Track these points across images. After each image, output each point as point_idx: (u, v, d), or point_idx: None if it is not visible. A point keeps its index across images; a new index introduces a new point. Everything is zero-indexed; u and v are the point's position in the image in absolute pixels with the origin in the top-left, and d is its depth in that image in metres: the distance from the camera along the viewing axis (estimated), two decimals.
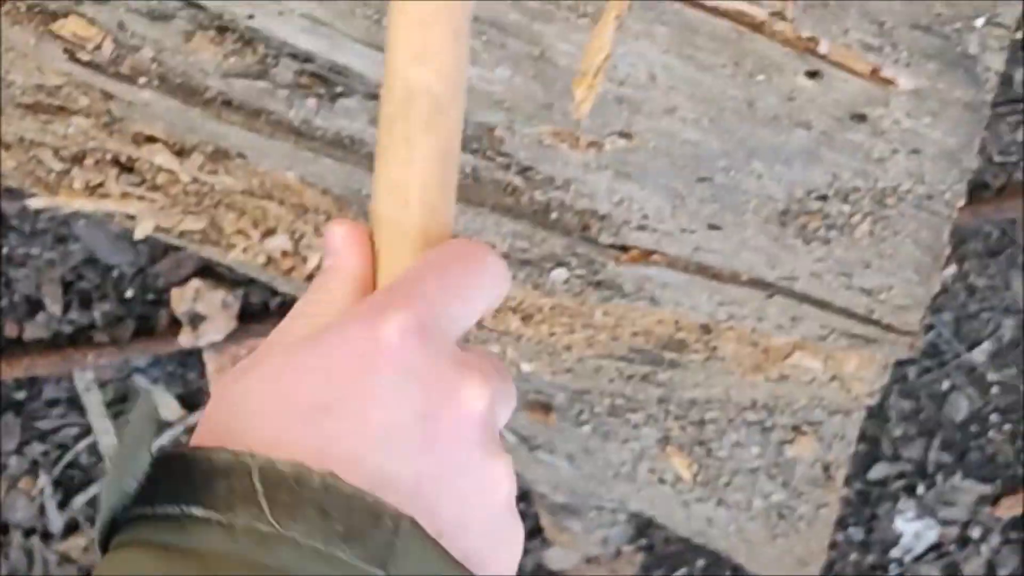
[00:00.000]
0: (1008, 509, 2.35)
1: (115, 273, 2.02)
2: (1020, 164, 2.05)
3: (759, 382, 1.43)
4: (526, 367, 1.45)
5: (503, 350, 1.43)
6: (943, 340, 2.11)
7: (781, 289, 1.31)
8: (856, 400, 1.47)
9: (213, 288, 1.95)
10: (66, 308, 2.05)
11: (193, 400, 2.20)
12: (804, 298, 1.32)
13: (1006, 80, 2.00)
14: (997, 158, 2.05)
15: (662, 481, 1.67)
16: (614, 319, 1.40)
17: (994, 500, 2.36)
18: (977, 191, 2.08)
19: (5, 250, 2.06)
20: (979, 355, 2.25)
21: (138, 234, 1.44)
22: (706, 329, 1.39)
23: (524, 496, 2.15)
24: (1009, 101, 1.98)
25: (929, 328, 2.07)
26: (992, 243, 2.11)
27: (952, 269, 2.13)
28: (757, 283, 1.31)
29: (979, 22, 1.25)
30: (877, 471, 2.17)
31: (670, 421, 1.62)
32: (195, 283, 1.95)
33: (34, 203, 1.37)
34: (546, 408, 1.61)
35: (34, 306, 2.06)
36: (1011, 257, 2.18)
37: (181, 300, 1.98)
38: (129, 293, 2.07)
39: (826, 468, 1.68)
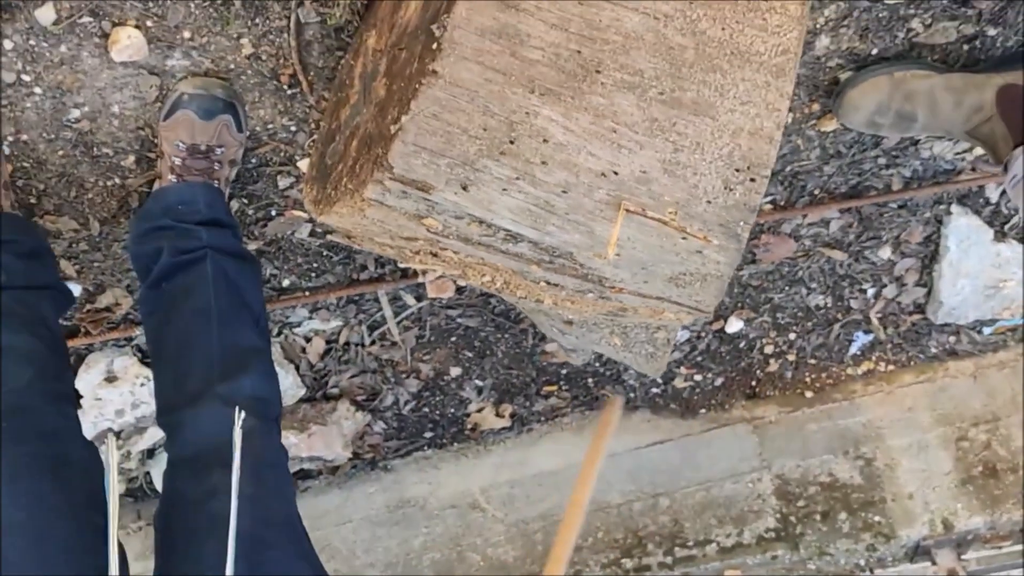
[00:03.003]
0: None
1: None
2: None
3: None
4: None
5: None
6: None
7: None
8: None
9: None
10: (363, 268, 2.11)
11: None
12: None
13: None
14: None
15: (610, 345, 1.75)
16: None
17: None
18: None
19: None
20: None
21: (435, 276, 1.63)
22: None
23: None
24: None
25: None
26: None
27: None
28: None
29: (751, 218, 1.29)
30: None
31: (616, 331, 1.71)
32: None
33: (387, 272, 1.50)
34: (569, 323, 1.69)
35: (361, 267, 2.11)
36: None
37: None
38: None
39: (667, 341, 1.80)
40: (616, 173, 1.30)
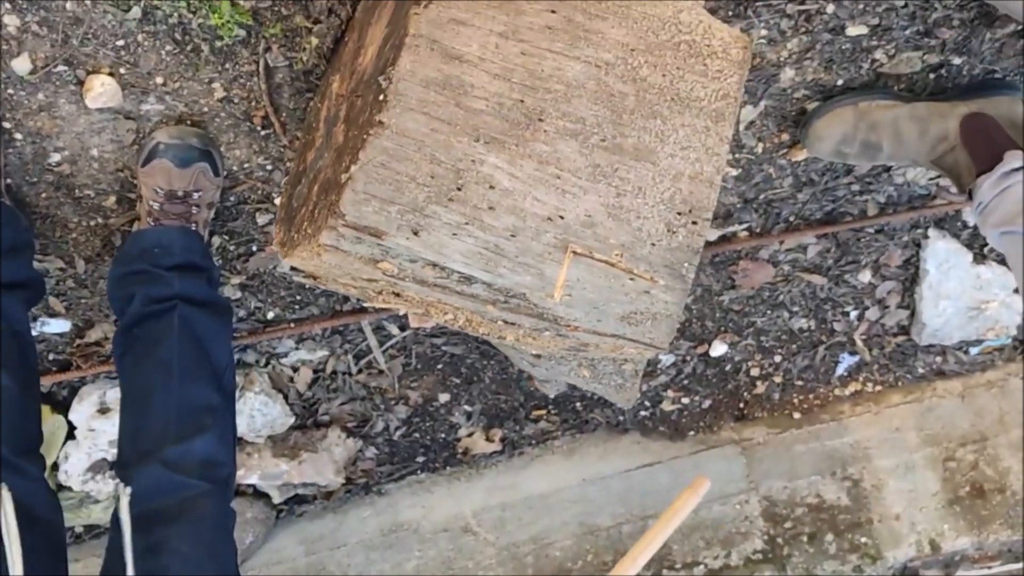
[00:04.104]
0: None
1: None
2: None
3: None
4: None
5: None
6: None
7: None
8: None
9: None
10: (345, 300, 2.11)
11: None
12: None
13: None
14: None
15: (579, 376, 1.77)
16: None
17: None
18: None
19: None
20: None
21: (401, 313, 1.63)
22: None
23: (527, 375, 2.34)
24: None
25: None
26: None
27: None
28: None
29: (695, 259, 1.32)
30: None
31: (584, 364, 1.72)
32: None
33: (366, 304, 1.55)
34: (538, 356, 1.71)
35: (344, 299, 2.14)
36: None
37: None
38: None
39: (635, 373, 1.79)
40: (562, 217, 1.32)
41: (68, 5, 1.58)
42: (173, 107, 1.74)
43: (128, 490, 1.12)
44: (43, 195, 1.83)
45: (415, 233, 1.29)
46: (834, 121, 1.79)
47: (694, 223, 1.31)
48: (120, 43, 1.64)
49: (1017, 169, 1.58)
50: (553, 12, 1.31)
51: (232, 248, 1.99)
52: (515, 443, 2.56)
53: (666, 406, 2.53)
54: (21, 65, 1.63)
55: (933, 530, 2.44)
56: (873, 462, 2.48)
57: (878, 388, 2.53)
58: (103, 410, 2.20)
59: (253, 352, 2.20)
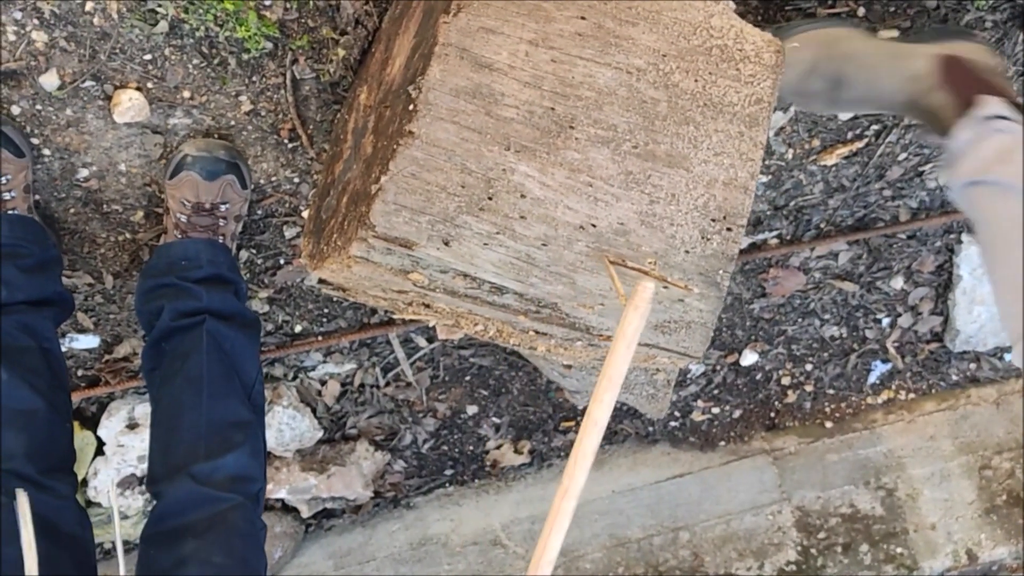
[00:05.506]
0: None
1: None
2: None
3: None
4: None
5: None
6: None
7: None
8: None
9: None
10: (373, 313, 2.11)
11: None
12: None
13: None
14: None
15: None
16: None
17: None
18: None
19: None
20: None
21: (430, 325, 1.63)
22: None
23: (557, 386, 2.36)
24: None
25: None
26: None
27: None
28: None
29: (730, 267, 1.30)
30: None
31: None
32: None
33: (394, 316, 1.53)
34: (568, 367, 1.72)
35: (371, 311, 2.12)
36: None
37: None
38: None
39: (668, 382, 1.83)
40: (594, 226, 1.30)
41: (96, 20, 1.58)
42: (200, 121, 1.73)
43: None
44: (71, 211, 1.82)
45: (446, 243, 1.28)
46: (803, 45, 1.58)
47: (728, 230, 1.29)
48: (147, 57, 1.64)
49: (994, 117, 1.42)
50: (583, 19, 1.29)
51: (260, 262, 1.98)
52: (544, 455, 2.54)
53: (696, 416, 2.50)
54: (49, 81, 1.63)
55: (970, 540, 2.39)
56: (907, 471, 2.43)
57: (911, 396, 2.49)
58: (132, 425, 2.19)
59: (281, 366, 2.19)
